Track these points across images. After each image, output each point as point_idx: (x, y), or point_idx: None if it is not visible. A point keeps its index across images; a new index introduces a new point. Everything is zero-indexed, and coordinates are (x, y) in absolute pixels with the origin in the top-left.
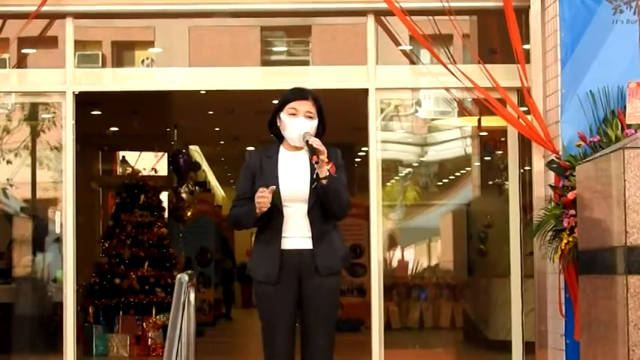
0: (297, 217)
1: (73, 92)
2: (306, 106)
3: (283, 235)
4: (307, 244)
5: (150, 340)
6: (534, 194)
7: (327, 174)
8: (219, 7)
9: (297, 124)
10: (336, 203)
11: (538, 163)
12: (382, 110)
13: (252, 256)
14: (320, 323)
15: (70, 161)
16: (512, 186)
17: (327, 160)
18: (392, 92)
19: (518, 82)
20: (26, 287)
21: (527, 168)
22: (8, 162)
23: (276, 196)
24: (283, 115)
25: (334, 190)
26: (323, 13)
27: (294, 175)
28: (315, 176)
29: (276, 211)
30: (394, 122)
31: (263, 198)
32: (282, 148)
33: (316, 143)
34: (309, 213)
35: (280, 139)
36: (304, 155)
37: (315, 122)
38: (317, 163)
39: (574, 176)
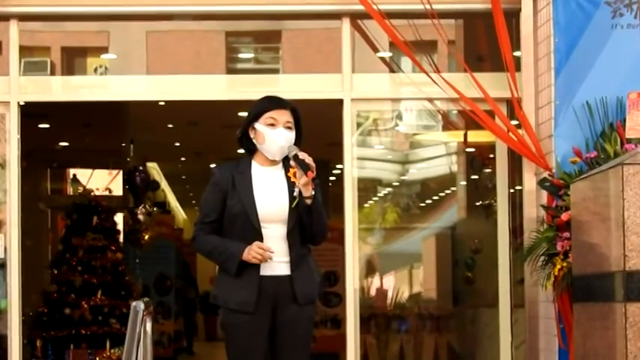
0: (274, 239)
1: (18, 103)
2: (285, 115)
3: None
4: (285, 269)
5: None
6: (525, 216)
7: (312, 193)
8: (179, 8)
9: (278, 135)
10: (318, 225)
11: (529, 181)
12: (359, 124)
13: (219, 282)
14: (294, 355)
15: (15, 179)
16: (502, 207)
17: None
18: (369, 103)
19: (508, 93)
20: None
21: (517, 187)
22: None
23: (253, 216)
24: (259, 125)
25: (318, 211)
26: (294, 15)
27: (271, 194)
28: (297, 195)
29: (254, 232)
30: (372, 137)
31: (264, 255)
32: (254, 163)
33: (308, 158)
34: (289, 235)
35: (251, 153)
36: (280, 171)
37: (293, 134)
38: (314, 180)
39: (568, 196)
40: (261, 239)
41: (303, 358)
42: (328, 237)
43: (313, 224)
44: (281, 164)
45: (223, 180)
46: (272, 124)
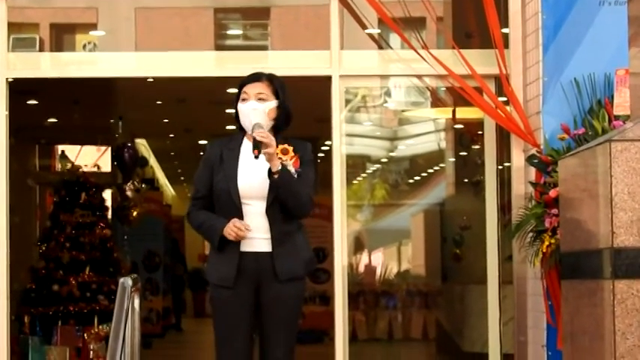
0: (255, 215)
1: (7, 79)
2: (257, 88)
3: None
4: (266, 246)
5: (92, 352)
6: (513, 192)
7: (280, 168)
8: None
9: (246, 108)
10: (291, 200)
11: (518, 158)
12: (347, 100)
13: (208, 257)
14: (279, 333)
15: (4, 156)
16: (490, 183)
17: (288, 153)
18: (358, 80)
19: (496, 69)
20: None
21: (506, 164)
22: None
23: (234, 192)
24: (239, 103)
25: (287, 185)
26: None
27: (253, 170)
28: (268, 170)
29: (234, 209)
30: (360, 114)
31: (238, 233)
32: (245, 140)
33: (260, 135)
34: (268, 211)
35: (243, 130)
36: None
37: (268, 104)
38: (256, 157)
39: (556, 172)
40: (241, 215)
41: (287, 337)
42: (316, 213)
43: (285, 199)
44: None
45: (212, 156)
46: (244, 99)
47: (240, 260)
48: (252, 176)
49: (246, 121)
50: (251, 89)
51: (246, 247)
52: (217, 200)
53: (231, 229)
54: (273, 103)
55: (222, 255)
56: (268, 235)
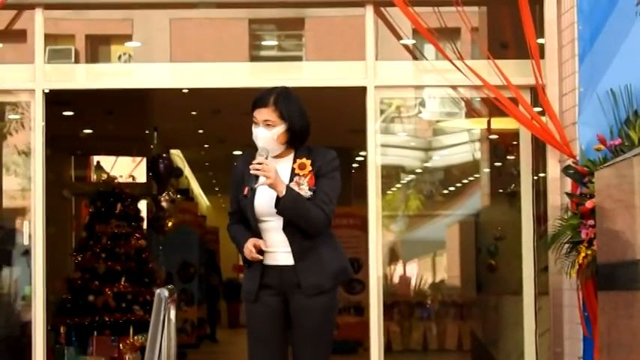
0: (274, 231)
1: (43, 90)
2: (263, 114)
3: (265, 249)
4: (288, 259)
5: None
6: (549, 203)
7: (284, 193)
8: None
9: (256, 136)
10: (302, 223)
11: (553, 168)
12: (382, 111)
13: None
14: (308, 346)
15: (40, 167)
16: (525, 194)
17: (305, 168)
18: (393, 90)
19: (532, 80)
20: None
21: (541, 174)
22: None
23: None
24: (252, 125)
25: (292, 209)
26: (317, 3)
27: (269, 188)
28: (276, 197)
29: (254, 224)
30: (395, 124)
31: (251, 255)
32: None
33: (254, 169)
34: (285, 229)
35: None
36: (288, 163)
37: (275, 131)
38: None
39: (593, 183)
40: (259, 232)
41: (319, 348)
42: (351, 224)
43: (296, 222)
44: (292, 155)
45: (237, 171)
46: (255, 123)
47: (264, 274)
48: (268, 195)
49: (258, 144)
50: (259, 115)
51: (269, 260)
52: (245, 215)
53: (246, 247)
54: (280, 129)
55: (249, 269)
56: (289, 249)
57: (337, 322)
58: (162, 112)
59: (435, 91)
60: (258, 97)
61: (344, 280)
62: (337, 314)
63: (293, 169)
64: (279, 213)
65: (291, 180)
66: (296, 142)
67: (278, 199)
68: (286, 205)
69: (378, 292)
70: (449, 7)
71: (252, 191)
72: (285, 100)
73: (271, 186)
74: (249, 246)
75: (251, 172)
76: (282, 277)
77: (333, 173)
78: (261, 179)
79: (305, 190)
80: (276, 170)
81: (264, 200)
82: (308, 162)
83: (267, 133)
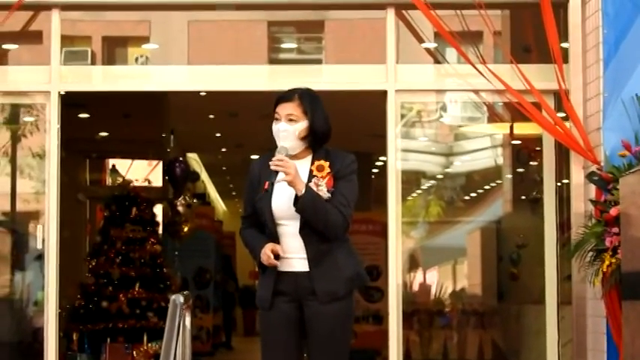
0: (290, 236)
1: (59, 92)
2: (288, 108)
3: (282, 254)
4: (304, 265)
5: None
6: (573, 210)
7: (304, 192)
8: None
9: (277, 131)
10: (320, 224)
11: (577, 175)
12: (403, 115)
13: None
14: (323, 354)
15: (55, 170)
16: (548, 201)
17: (323, 170)
18: (414, 95)
19: (556, 85)
20: (3, 310)
21: (564, 181)
22: None
23: (268, 212)
24: (273, 123)
25: (311, 209)
26: (338, 6)
27: (287, 190)
28: (295, 196)
29: (270, 229)
30: (416, 129)
31: (268, 261)
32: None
33: (274, 165)
34: (302, 231)
35: None
36: (306, 164)
37: (298, 126)
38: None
39: (617, 190)
40: (276, 235)
41: (333, 357)
42: (370, 230)
43: (314, 223)
44: (309, 157)
45: (253, 174)
46: (276, 119)
47: (278, 281)
48: (286, 196)
49: (277, 142)
50: (282, 110)
51: (284, 267)
52: (260, 218)
53: (264, 252)
54: (302, 124)
55: (263, 276)
56: (304, 255)
57: (355, 330)
58: (179, 115)
59: (456, 96)
60: (283, 94)
61: (359, 286)
62: (355, 322)
63: (311, 171)
64: (297, 211)
65: (308, 182)
66: (316, 142)
67: (296, 198)
68: (305, 204)
69: (397, 300)
70: (471, 10)
71: (272, 186)
72: (309, 97)
73: (291, 184)
74: (267, 252)
75: (271, 167)
76: (297, 284)
77: (352, 177)
78: (281, 175)
79: (323, 192)
80: (296, 168)
81: (281, 202)
82: (326, 164)
83: (290, 127)
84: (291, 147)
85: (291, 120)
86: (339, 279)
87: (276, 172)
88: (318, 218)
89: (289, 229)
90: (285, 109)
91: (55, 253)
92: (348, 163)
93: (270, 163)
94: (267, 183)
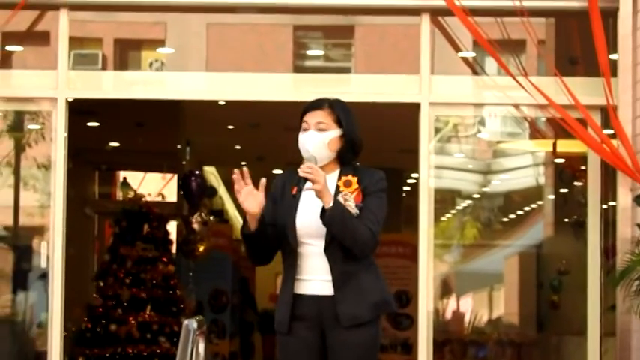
0: (314, 256)
1: (66, 99)
2: (318, 116)
3: (297, 276)
4: (328, 289)
5: None
6: (618, 235)
7: (331, 205)
8: (243, 0)
9: (303, 139)
10: (348, 240)
11: (624, 197)
12: (437, 130)
13: None
14: None
15: (61, 182)
16: (593, 224)
17: (351, 185)
18: (449, 108)
19: (603, 100)
20: (4, 332)
21: (610, 203)
22: None
23: (291, 230)
24: (299, 134)
25: (339, 224)
26: (369, 10)
27: (313, 206)
28: (322, 209)
29: (290, 247)
30: (451, 144)
31: (309, 175)
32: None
33: (303, 172)
34: (327, 250)
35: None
36: (333, 179)
37: (328, 134)
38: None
39: None
40: (296, 257)
41: None
42: (400, 252)
43: (342, 238)
44: (337, 172)
45: (275, 188)
46: (305, 129)
47: (298, 304)
48: (311, 212)
49: (302, 152)
50: (311, 118)
51: (305, 289)
52: (280, 235)
53: (302, 169)
54: (333, 133)
55: (280, 298)
56: (329, 277)
57: (381, 359)
58: (195, 125)
59: (495, 110)
60: (310, 103)
61: (385, 313)
62: (381, 351)
63: (337, 187)
64: (325, 224)
65: (335, 197)
66: (347, 155)
67: (323, 211)
68: (334, 217)
69: (427, 328)
70: (513, 17)
71: (300, 193)
72: (341, 106)
73: (318, 194)
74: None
75: (299, 174)
76: (320, 309)
77: (381, 194)
78: (308, 184)
79: (352, 207)
80: (325, 178)
81: (307, 218)
82: (354, 179)
83: (319, 136)
84: (320, 157)
85: (320, 129)
86: (364, 303)
87: (304, 181)
88: (346, 233)
89: (313, 248)
90: (314, 117)
91: (60, 272)
92: (377, 180)
93: (299, 170)
94: (294, 189)
